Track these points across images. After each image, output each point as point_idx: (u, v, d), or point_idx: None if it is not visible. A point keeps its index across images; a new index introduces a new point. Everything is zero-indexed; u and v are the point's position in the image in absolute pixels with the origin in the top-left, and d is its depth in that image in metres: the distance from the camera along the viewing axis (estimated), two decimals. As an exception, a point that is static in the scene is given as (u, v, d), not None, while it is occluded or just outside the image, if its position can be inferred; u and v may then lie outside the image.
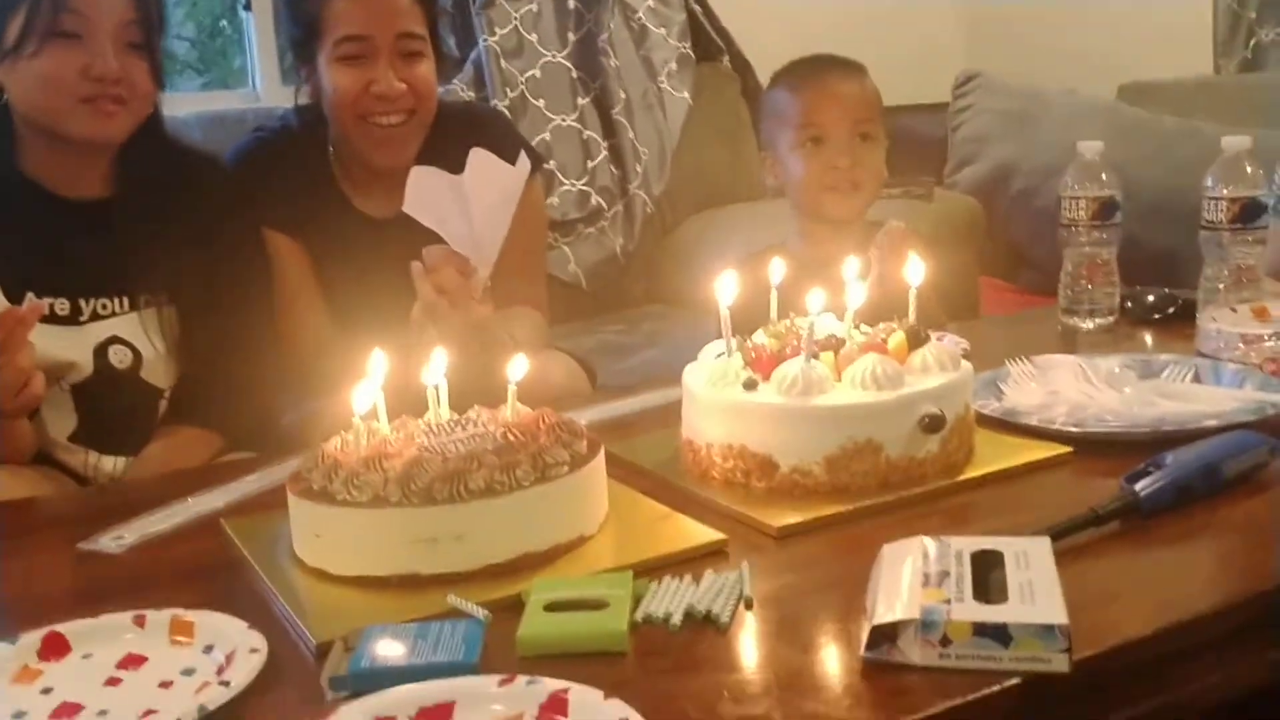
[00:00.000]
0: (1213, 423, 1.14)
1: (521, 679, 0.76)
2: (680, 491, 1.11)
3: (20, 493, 1.31)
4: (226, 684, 0.79)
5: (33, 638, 0.87)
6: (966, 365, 1.15)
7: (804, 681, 0.77)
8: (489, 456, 0.97)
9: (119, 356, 1.48)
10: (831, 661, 0.79)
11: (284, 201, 1.65)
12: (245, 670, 0.80)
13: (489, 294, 1.47)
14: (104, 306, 1.47)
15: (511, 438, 1.00)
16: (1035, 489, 1.10)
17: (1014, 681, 0.74)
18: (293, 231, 1.66)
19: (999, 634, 0.75)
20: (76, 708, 0.79)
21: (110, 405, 1.49)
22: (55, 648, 0.87)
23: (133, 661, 0.85)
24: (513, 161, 1.43)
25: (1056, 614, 0.76)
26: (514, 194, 1.42)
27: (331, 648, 0.83)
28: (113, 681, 0.83)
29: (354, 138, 1.63)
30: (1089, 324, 1.68)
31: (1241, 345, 1.34)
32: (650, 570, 0.94)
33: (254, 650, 0.83)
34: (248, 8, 2.77)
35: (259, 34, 2.76)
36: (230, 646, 0.84)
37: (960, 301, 2.24)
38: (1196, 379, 1.31)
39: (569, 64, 2.78)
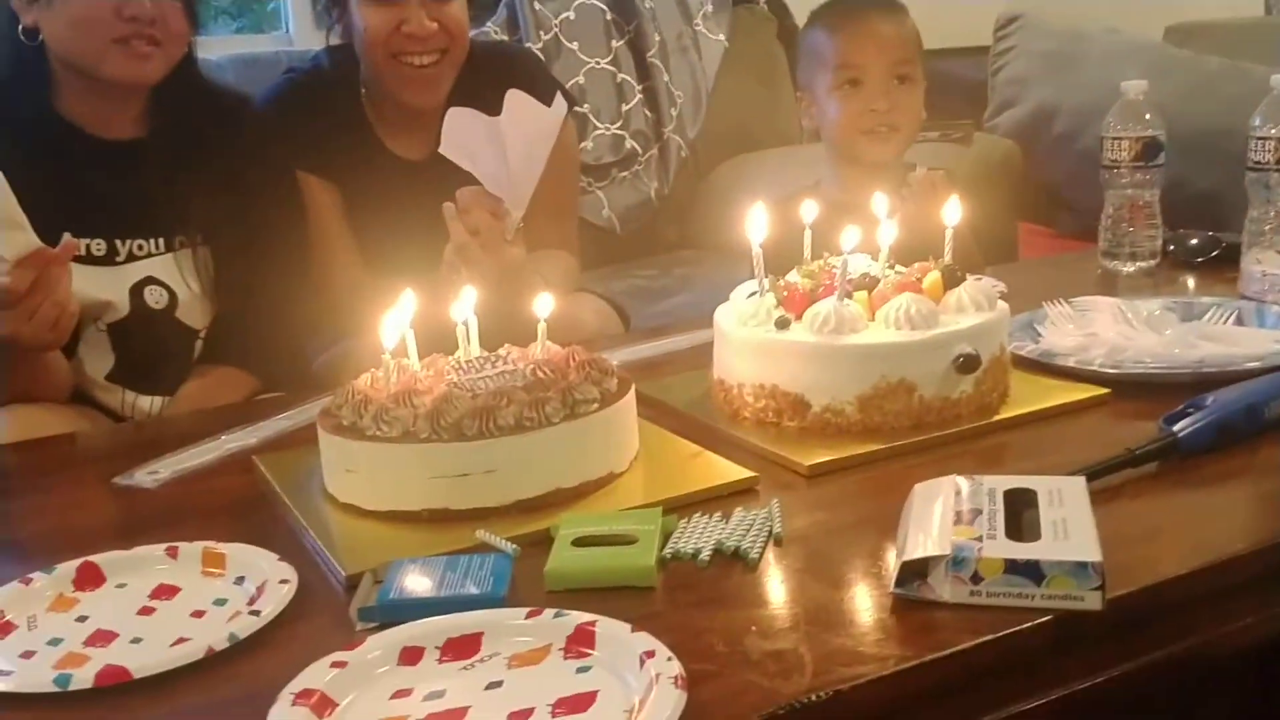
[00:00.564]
0: (1255, 364, 1.12)
1: (549, 611, 0.76)
2: (711, 431, 1.11)
3: (58, 429, 1.33)
4: (257, 613, 0.79)
5: (68, 567, 0.88)
6: (1003, 305, 1.13)
7: (832, 616, 0.76)
8: (518, 393, 0.96)
9: (155, 297, 1.49)
10: (861, 598, 0.79)
11: (316, 143, 1.65)
12: (275, 600, 0.81)
13: (521, 236, 1.46)
14: (140, 247, 1.48)
15: (541, 375, 1.00)
16: (1071, 430, 1.08)
17: (1045, 619, 0.74)
18: (325, 173, 1.65)
19: (1031, 571, 0.74)
20: (111, 635, 0.80)
21: (146, 345, 1.50)
22: (90, 577, 0.88)
23: (165, 592, 0.86)
24: (546, 103, 1.41)
25: (1090, 551, 0.75)
26: (549, 136, 1.40)
27: (361, 580, 0.83)
28: (146, 611, 0.84)
29: (386, 78, 1.62)
30: (1130, 267, 1.65)
31: (1286, 287, 1.31)
32: (680, 507, 0.93)
33: (284, 581, 0.84)
34: (280, -51, 2.75)
35: (292, -24, 2.75)
36: (261, 578, 0.85)
37: (998, 246, 2.21)
38: (1239, 321, 1.29)
39: (603, 6, 2.74)
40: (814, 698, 0.67)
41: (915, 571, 0.77)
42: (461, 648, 0.74)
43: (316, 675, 0.70)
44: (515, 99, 1.37)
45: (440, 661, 0.74)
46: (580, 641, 0.73)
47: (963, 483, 0.86)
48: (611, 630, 0.73)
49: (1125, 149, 1.63)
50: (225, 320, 1.55)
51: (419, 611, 0.77)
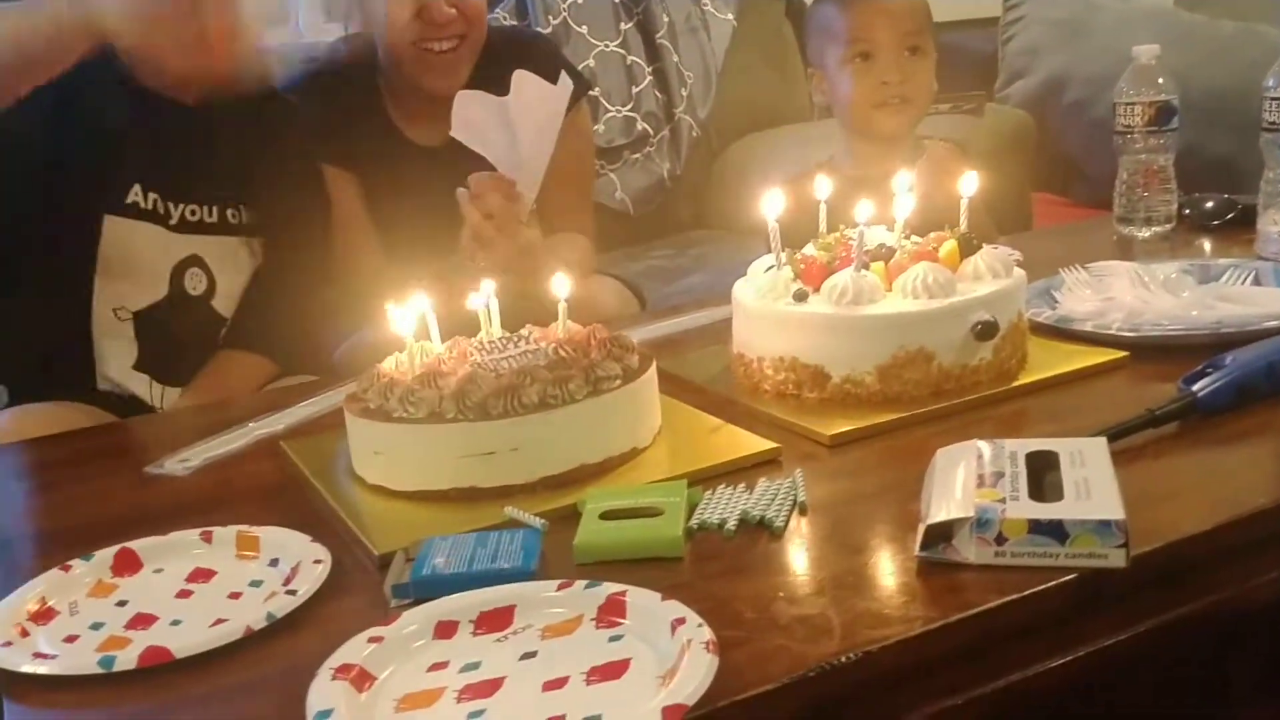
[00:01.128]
0: (1273, 324, 1.12)
1: (580, 583, 0.77)
2: (732, 404, 1.12)
3: (67, 427, 1.34)
4: (293, 593, 0.81)
5: (106, 554, 0.90)
6: (1019, 272, 1.14)
7: (859, 581, 0.77)
8: (541, 372, 0.97)
9: (194, 282, 1.51)
10: (886, 562, 0.80)
11: (336, 132, 1.66)
12: (310, 580, 0.82)
13: (535, 218, 1.47)
14: (192, 212, 1.50)
15: (563, 353, 1.01)
16: (1090, 394, 1.09)
17: (1070, 577, 0.74)
18: (345, 162, 1.67)
19: (1055, 530, 0.75)
20: (151, 618, 0.81)
21: (179, 332, 1.52)
22: (128, 563, 0.90)
23: (202, 575, 0.88)
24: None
25: (1113, 510, 0.75)
26: (557, 113, 1.41)
27: (393, 559, 0.85)
28: (184, 594, 0.85)
29: (407, 65, 1.63)
30: (1145, 232, 1.65)
31: (1303, 247, 1.31)
32: (704, 480, 0.94)
33: (318, 561, 0.85)
34: (288, -59, 2.76)
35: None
36: (295, 559, 0.86)
37: (1012, 216, 2.21)
38: (1256, 282, 1.29)
39: (611, -12, 2.74)
40: (844, 659, 0.68)
41: (940, 534, 0.78)
42: (495, 620, 0.76)
43: (355, 650, 0.71)
44: (521, 79, 1.38)
45: (475, 634, 0.75)
46: (611, 611, 0.74)
47: (984, 447, 0.87)
48: (642, 599, 0.74)
49: (1139, 114, 1.63)
50: (245, 305, 1.57)
51: (451, 587, 0.79)
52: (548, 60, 1.72)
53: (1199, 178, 1.80)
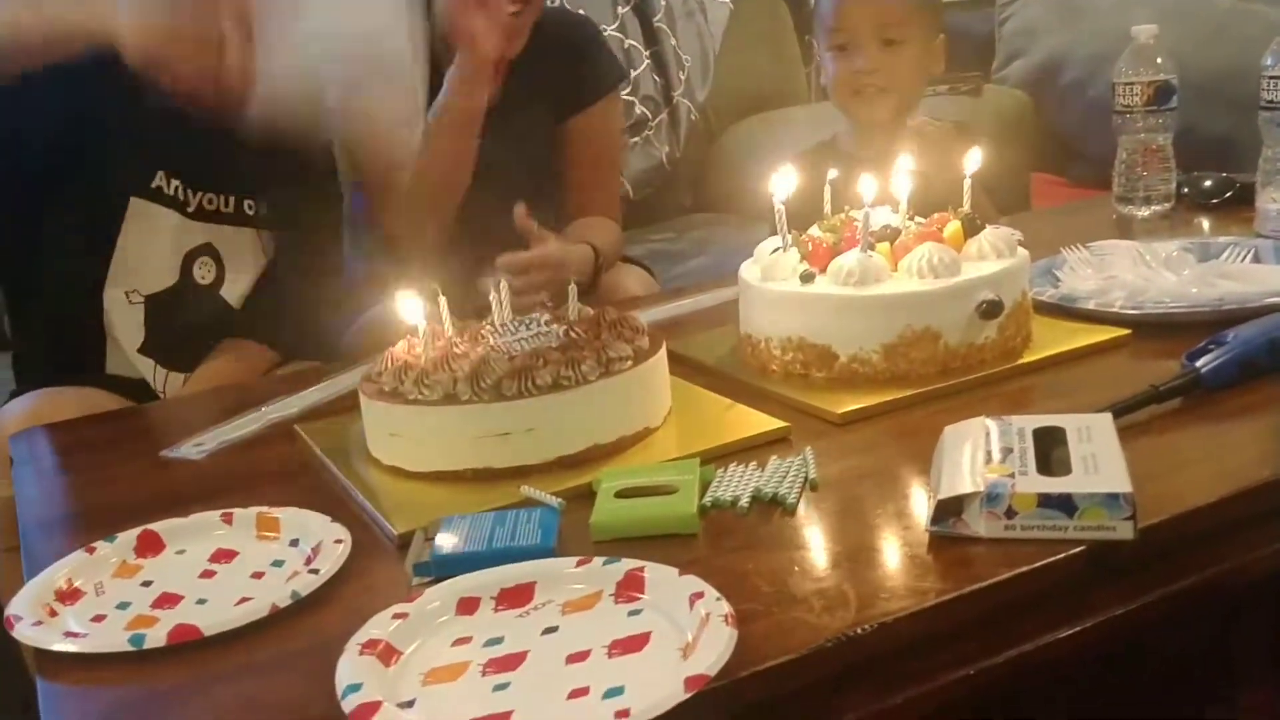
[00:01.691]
0: (1274, 300, 1.14)
1: (598, 559, 0.79)
2: (741, 384, 1.13)
3: (80, 412, 1.35)
4: (316, 572, 0.82)
5: (129, 536, 0.91)
6: (1023, 251, 1.15)
7: (872, 555, 0.79)
8: (553, 354, 0.99)
9: (203, 271, 1.52)
10: (898, 537, 0.81)
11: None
12: (332, 559, 0.84)
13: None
14: (210, 201, 1.51)
15: (575, 335, 1.02)
16: (1094, 371, 1.11)
17: (1079, 549, 0.76)
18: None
19: (1064, 504, 0.77)
20: (176, 598, 0.83)
21: (186, 319, 1.53)
22: (150, 545, 0.91)
23: (224, 555, 0.89)
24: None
25: (1121, 483, 0.77)
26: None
27: (413, 538, 0.86)
28: (207, 574, 0.87)
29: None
30: (1145, 211, 1.67)
31: (1303, 224, 1.33)
32: (715, 459, 0.96)
33: (338, 541, 0.86)
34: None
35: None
36: (315, 539, 0.88)
37: (1012, 196, 2.22)
38: (1256, 259, 1.30)
39: (608, -28, 2.75)
40: (860, 631, 0.69)
41: (950, 509, 0.79)
42: (516, 597, 0.77)
43: (380, 626, 0.73)
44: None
45: (496, 610, 0.76)
46: (630, 587, 0.76)
47: (992, 424, 0.89)
48: (660, 574, 0.76)
49: (1137, 94, 1.64)
50: (258, 295, 1.58)
51: (472, 565, 0.80)
52: (590, 42, 1.78)
53: (1197, 156, 1.82)
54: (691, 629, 0.70)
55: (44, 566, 0.88)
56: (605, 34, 2.68)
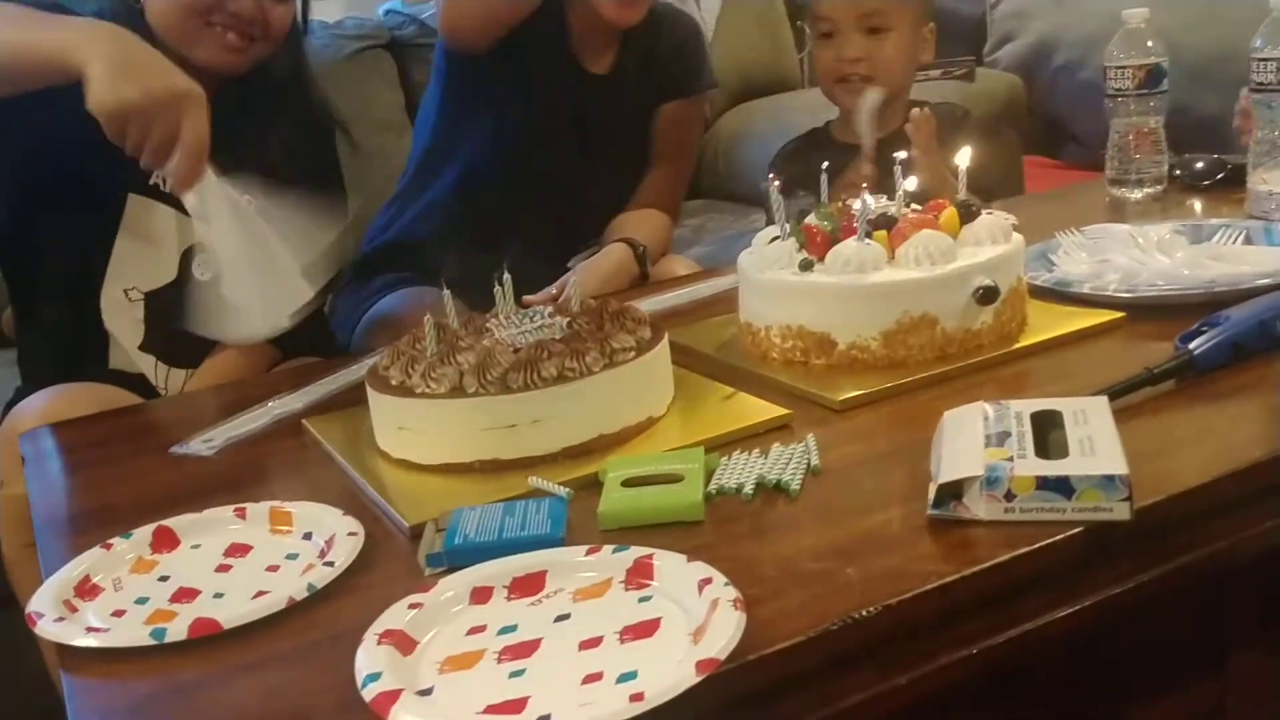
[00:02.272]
0: (1266, 281, 1.15)
1: (608, 548, 0.80)
2: (742, 373, 1.15)
3: (94, 408, 1.36)
4: (331, 564, 0.84)
5: (144, 532, 0.93)
6: (1018, 237, 1.17)
7: (875, 539, 0.81)
8: (558, 345, 1.00)
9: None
10: (900, 520, 0.83)
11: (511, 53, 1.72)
12: (346, 552, 0.85)
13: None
14: None
15: (578, 327, 1.04)
16: (1090, 354, 1.12)
17: (1077, 530, 0.78)
18: (518, 78, 1.73)
19: (1062, 486, 0.78)
20: (194, 592, 0.85)
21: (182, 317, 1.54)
22: (166, 540, 0.93)
23: (239, 550, 0.91)
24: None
25: (1117, 465, 0.79)
26: None
27: (424, 530, 0.88)
28: (223, 568, 0.88)
29: None
30: (1137, 194, 1.68)
31: (1293, 205, 1.34)
32: (719, 447, 0.98)
33: (352, 534, 0.88)
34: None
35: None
36: (328, 532, 0.89)
37: (1005, 179, 2.24)
38: (1248, 241, 1.32)
39: (601, -41, 2.75)
40: (865, 613, 0.71)
41: (950, 493, 0.81)
42: (528, 585, 0.79)
43: (396, 616, 0.75)
44: None
45: (509, 599, 0.78)
46: (640, 574, 0.78)
47: (989, 408, 0.90)
48: (669, 562, 0.78)
49: (1129, 77, 1.65)
50: None
51: (483, 555, 0.82)
52: (696, 37, 1.89)
53: (1189, 138, 1.83)
54: (701, 614, 0.71)
55: (60, 563, 0.89)
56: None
